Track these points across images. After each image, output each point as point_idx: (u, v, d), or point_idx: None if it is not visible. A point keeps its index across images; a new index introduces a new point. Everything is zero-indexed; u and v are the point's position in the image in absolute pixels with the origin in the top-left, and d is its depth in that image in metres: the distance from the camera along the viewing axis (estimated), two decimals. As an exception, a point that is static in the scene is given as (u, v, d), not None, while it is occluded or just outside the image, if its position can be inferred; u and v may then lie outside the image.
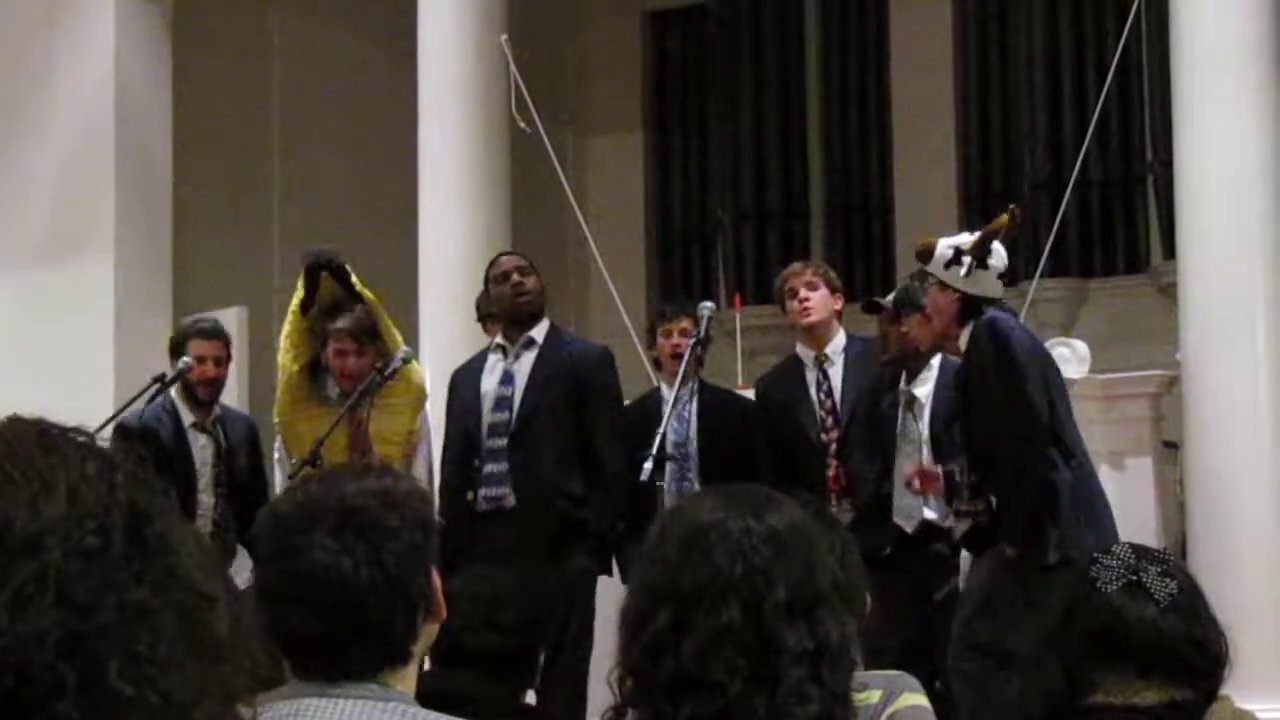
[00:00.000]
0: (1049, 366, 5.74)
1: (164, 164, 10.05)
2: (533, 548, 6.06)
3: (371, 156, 10.75)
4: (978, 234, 5.79)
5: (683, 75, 13.33)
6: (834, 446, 6.53)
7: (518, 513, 6.36)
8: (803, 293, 6.64)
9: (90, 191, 9.82)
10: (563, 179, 8.80)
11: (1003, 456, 5.62)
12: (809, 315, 6.63)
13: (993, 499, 5.71)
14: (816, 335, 6.66)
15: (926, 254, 5.80)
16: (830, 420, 6.57)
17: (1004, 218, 5.85)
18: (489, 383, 6.56)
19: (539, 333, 6.60)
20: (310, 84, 11.00)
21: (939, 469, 6.04)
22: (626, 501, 6.45)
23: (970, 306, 5.72)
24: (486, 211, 8.31)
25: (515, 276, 6.58)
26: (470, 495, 6.38)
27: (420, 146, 8.48)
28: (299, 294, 6.65)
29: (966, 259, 5.67)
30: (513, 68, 8.47)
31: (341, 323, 6.54)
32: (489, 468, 6.43)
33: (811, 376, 6.65)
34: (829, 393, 6.61)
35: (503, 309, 6.67)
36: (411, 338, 7.55)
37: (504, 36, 8.54)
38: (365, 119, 10.92)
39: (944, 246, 5.76)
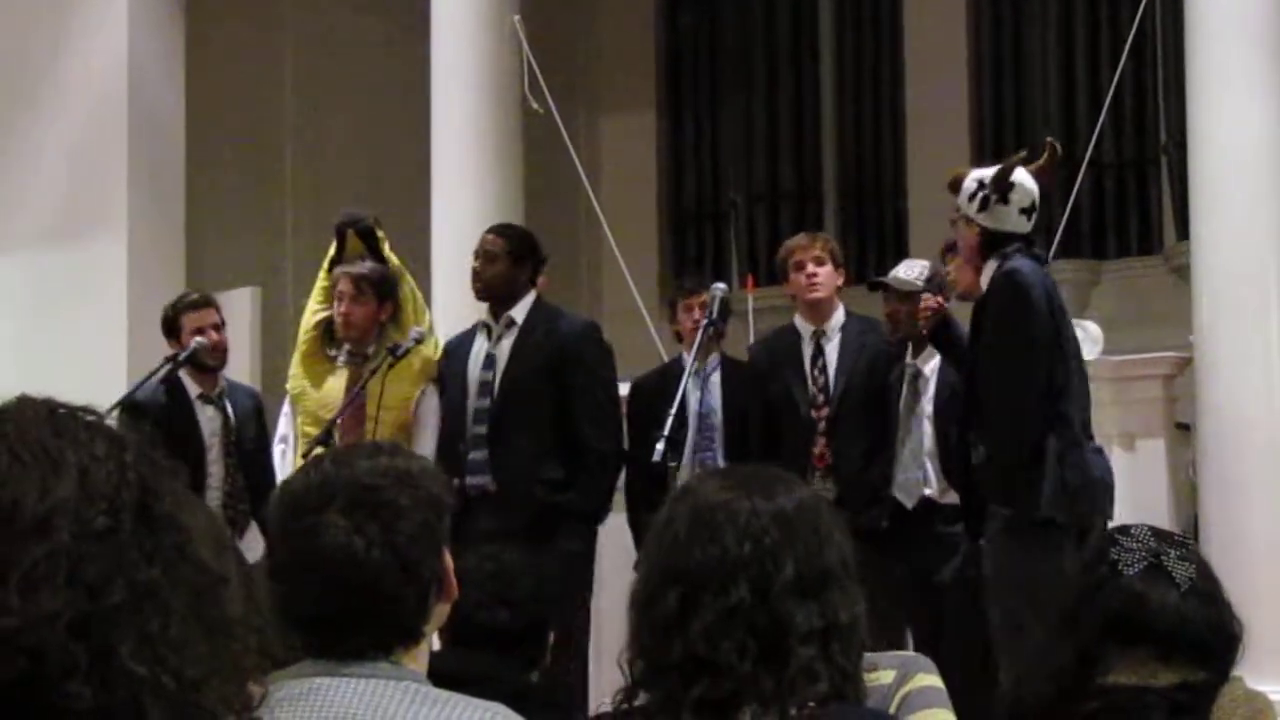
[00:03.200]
0: (1062, 322, 5.48)
1: (176, 143, 10.05)
2: (515, 533, 6.01)
3: (384, 136, 10.74)
4: (997, 166, 5.57)
5: (695, 55, 13.29)
6: (823, 424, 6.50)
7: (499, 498, 6.36)
8: (810, 267, 6.59)
9: (103, 171, 9.83)
10: (575, 158, 8.78)
11: (997, 410, 5.46)
12: (816, 291, 6.59)
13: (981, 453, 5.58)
14: (819, 311, 6.63)
15: (956, 185, 5.59)
16: (821, 397, 6.54)
17: (1020, 154, 5.64)
18: (474, 368, 6.55)
19: (520, 312, 6.55)
20: (323, 63, 10.99)
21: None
22: (614, 477, 6.46)
23: (992, 242, 5.48)
24: (499, 191, 8.31)
25: (477, 263, 6.57)
26: (457, 481, 6.34)
27: (433, 126, 8.47)
28: (330, 253, 6.74)
29: (982, 193, 5.46)
30: (525, 48, 8.46)
31: (344, 268, 6.57)
32: (472, 455, 6.42)
33: (807, 351, 6.61)
34: (823, 369, 6.57)
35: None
36: (423, 316, 7.56)
37: (517, 16, 8.52)
38: (378, 98, 10.90)
39: (970, 179, 5.55)
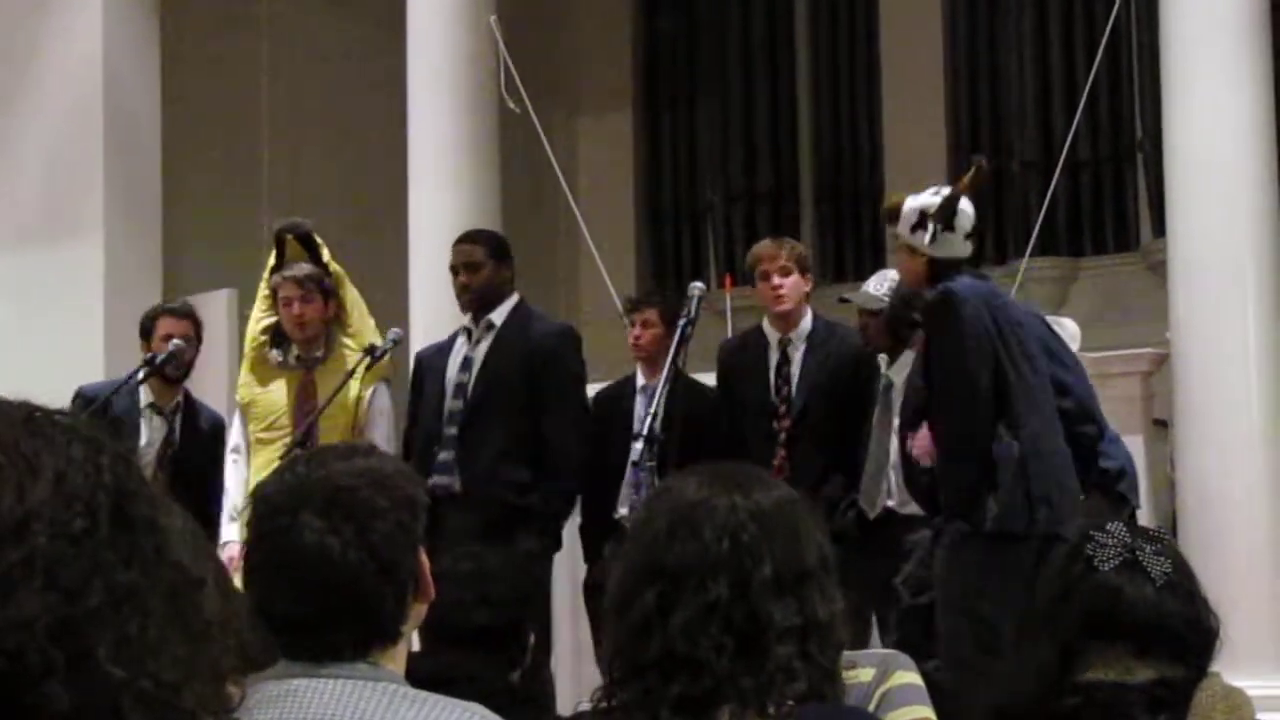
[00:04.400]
0: (1009, 332, 5.44)
1: (153, 146, 10.03)
2: (478, 533, 5.99)
3: (361, 137, 10.74)
4: (942, 196, 5.54)
5: (672, 55, 13.31)
6: (783, 435, 6.45)
7: (464, 499, 6.33)
8: (775, 279, 6.52)
9: (79, 174, 9.80)
10: (552, 159, 8.78)
11: (943, 428, 5.49)
12: (782, 303, 6.52)
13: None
14: (786, 320, 6.57)
15: (894, 214, 5.59)
16: (784, 408, 6.50)
17: (965, 178, 5.63)
18: (452, 370, 6.54)
19: (499, 315, 6.53)
20: (299, 64, 10.98)
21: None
22: (580, 483, 6.44)
23: (939, 270, 5.50)
24: (476, 192, 8.29)
25: (462, 277, 6.55)
26: (429, 481, 6.33)
27: (410, 127, 8.46)
28: (270, 261, 6.75)
29: (930, 225, 5.46)
30: (502, 48, 8.45)
31: (285, 272, 6.56)
32: (441, 455, 6.40)
33: (773, 359, 6.57)
34: (787, 379, 6.52)
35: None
36: (401, 318, 7.55)
37: (493, 16, 8.51)
38: (354, 100, 10.90)
39: (909, 208, 5.54)
